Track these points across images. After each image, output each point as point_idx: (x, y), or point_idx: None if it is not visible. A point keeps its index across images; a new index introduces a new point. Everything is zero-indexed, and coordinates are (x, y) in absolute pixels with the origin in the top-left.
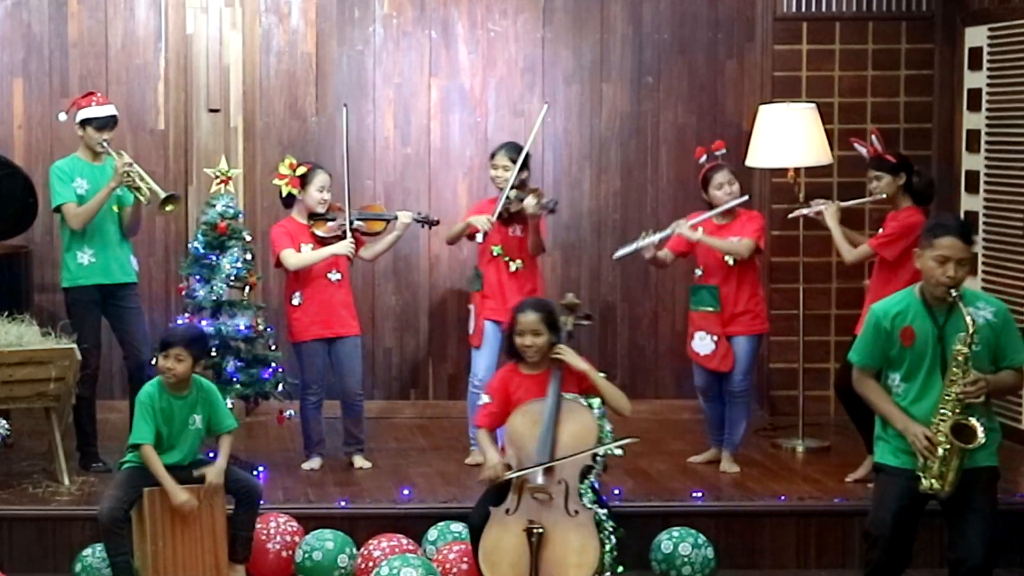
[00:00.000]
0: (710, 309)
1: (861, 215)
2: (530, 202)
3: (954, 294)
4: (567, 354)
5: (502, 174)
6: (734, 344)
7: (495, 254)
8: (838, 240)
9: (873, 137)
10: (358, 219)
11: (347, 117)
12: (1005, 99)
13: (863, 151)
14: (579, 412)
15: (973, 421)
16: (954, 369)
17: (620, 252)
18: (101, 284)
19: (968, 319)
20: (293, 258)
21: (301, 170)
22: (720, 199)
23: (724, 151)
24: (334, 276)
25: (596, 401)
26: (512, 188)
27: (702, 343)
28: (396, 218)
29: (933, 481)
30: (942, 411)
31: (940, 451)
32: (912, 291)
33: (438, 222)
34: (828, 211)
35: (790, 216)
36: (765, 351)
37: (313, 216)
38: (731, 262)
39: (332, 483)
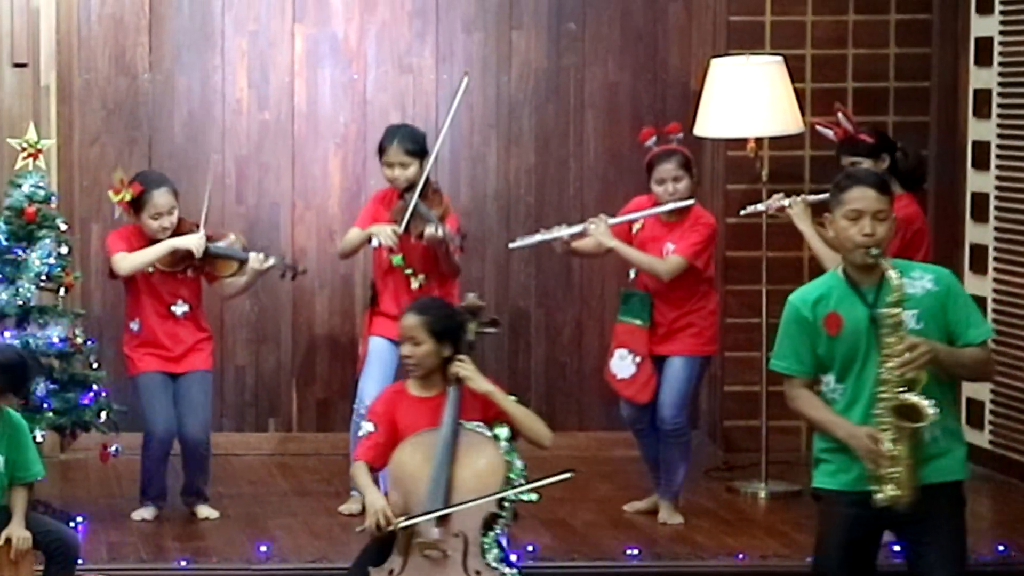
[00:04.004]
0: (638, 322)
1: None
2: (430, 231)
3: (874, 253)
4: (466, 371)
5: (399, 174)
6: (668, 366)
7: (394, 264)
8: (816, 246)
9: (840, 115)
10: (215, 253)
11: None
12: (1022, 51)
13: (828, 133)
14: (481, 445)
15: (915, 398)
16: (886, 339)
17: (519, 242)
18: None
19: (892, 276)
20: (125, 262)
21: (128, 194)
22: (660, 197)
23: (680, 136)
24: (179, 309)
25: (503, 431)
26: (419, 195)
27: (622, 363)
28: (247, 261)
29: (888, 488)
30: (882, 396)
31: (887, 445)
32: (834, 273)
33: (305, 271)
34: (794, 209)
35: (742, 213)
36: (717, 370)
37: (157, 242)
38: None
39: (170, 537)
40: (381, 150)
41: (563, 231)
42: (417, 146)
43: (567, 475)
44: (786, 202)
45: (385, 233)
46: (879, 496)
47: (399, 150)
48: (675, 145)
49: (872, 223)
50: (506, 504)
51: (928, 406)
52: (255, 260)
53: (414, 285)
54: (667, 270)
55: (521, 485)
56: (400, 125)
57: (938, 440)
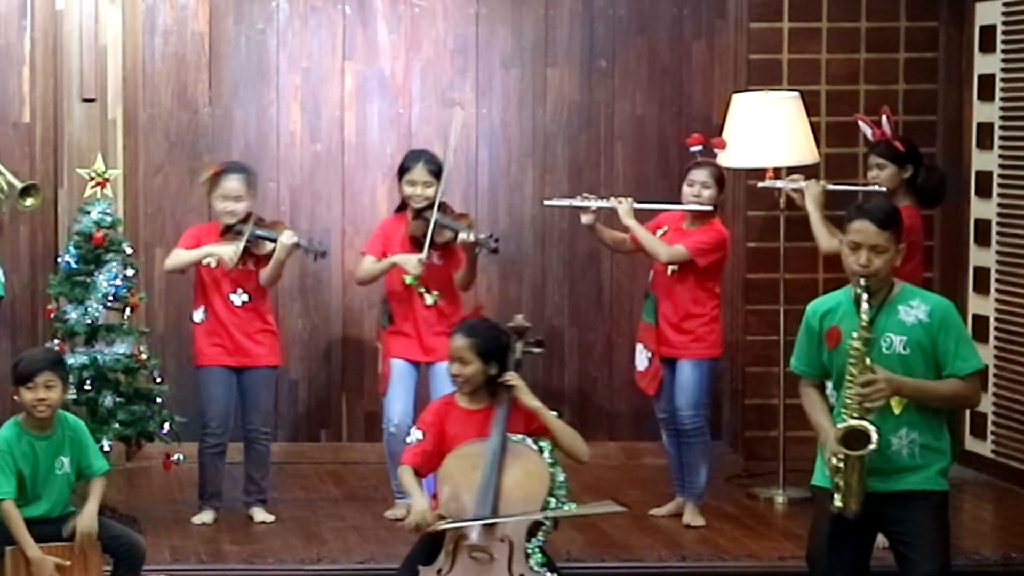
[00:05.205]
0: (649, 321)
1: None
2: (463, 236)
3: (863, 284)
4: (516, 386)
5: (421, 192)
6: (679, 370)
7: (407, 283)
8: (816, 225)
9: (884, 118)
10: (254, 235)
11: None
12: (1022, 87)
13: (868, 132)
14: (527, 456)
15: (862, 424)
16: (850, 368)
17: (554, 201)
18: None
19: (863, 310)
20: (167, 259)
21: (208, 172)
22: (685, 198)
23: (724, 150)
24: (238, 299)
25: (546, 444)
26: (437, 211)
27: (639, 357)
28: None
29: (838, 498)
30: (844, 417)
31: (834, 460)
32: (848, 288)
33: (325, 253)
34: (810, 191)
35: (760, 185)
36: (739, 384)
37: (227, 228)
38: (669, 271)
39: (228, 540)
40: (405, 170)
41: (595, 203)
42: (439, 168)
43: (619, 509)
44: (804, 184)
45: (412, 264)
46: (833, 503)
47: (425, 170)
48: (714, 159)
49: (868, 255)
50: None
51: (873, 435)
52: (285, 236)
53: (428, 302)
54: (668, 254)
55: (562, 496)
56: (422, 150)
57: (915, 456)
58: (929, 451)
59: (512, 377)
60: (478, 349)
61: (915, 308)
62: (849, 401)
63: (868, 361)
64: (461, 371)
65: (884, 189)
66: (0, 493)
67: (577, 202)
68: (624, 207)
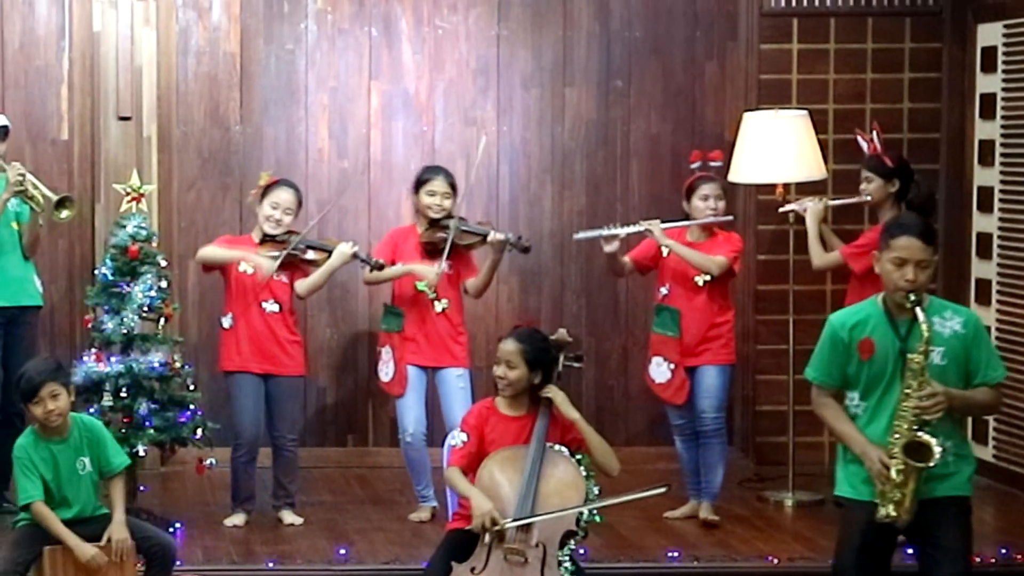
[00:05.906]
0: (670, 334)
1: (858, 216)
2: (494, 236)
3: (912, 299)
4: (557, 397)
5: (440, 203)
6: (703, 375)
7: (418, 289)
8: (812, 240)
9: (874, 133)
10: (301, 244)
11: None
12: (1022, 105)
13: (864, 145)
14: (565, 465)
15: (927, 437)
16: (909, 381)
17: (582, 234)
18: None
19: (923, 324)
20: (203, 250)
21: (265, 179)
22: (701, 212)
23: (720, 163)
24: (270, 307)
25: (583, 458)
26: (454, 220)
27: (658, 370)
28: (333, 249)
29: (889, 508)
30: (897, 428)
31: (894, 472)
32: (875, 300)
33: (383, 266)
34: (812, 208)
35: (780, 210)
36: (750, 392)
37: (266, 237)
38: (700, 282)
39: (259, 541)
40: (424, 182)
41: (620, 229)
42: (455, 182)
43: (662, 489)
44: (808, 203)
45: (430, 275)
46: (880, 512)
47: (445, 183)
48: (715, 174)
49: (915, 270)
50: (582, 522)
51: (937, 449)
52: (345, 246)
53: (438, 309)
54: (716, 265)
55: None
56: (436, 165)
57: (948, 463)
58: (959, 458)
59: (553, 389)
60: (526, 356)
61: (949, 320)
62: (904, 413)
63: (925, 375)
64: (507, 374)
65: (869, 198)
66: (28, 497)
67: (606, 232)
68: (657, 230)
